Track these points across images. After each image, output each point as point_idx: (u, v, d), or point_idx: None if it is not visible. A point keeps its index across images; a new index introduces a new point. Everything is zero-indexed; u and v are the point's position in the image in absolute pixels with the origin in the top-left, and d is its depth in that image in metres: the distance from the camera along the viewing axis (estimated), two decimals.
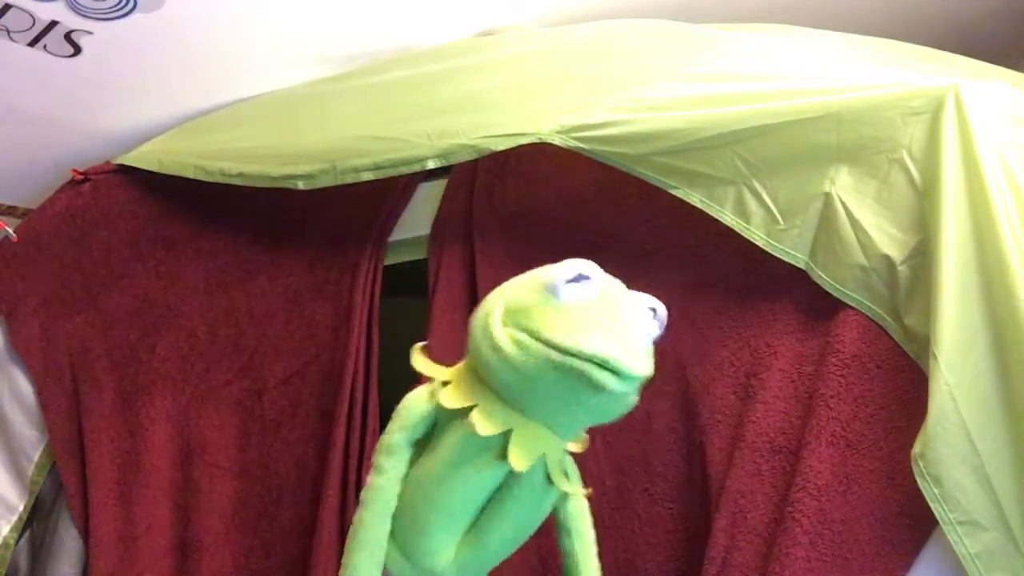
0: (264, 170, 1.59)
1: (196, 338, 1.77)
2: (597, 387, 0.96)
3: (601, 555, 1.41)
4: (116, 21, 1.50)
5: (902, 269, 1.16)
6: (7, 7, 1.44)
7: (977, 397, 1.05)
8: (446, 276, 1.58)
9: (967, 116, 1.11)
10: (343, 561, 1.10)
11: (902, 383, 1.17)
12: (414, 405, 1.12)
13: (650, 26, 1.48)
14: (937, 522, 1.06)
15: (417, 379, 1.12)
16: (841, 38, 1.42)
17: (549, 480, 1.10)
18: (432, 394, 1.11)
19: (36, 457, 1.84)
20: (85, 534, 1.75)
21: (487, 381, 1.06)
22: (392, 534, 1.11)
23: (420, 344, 1.13)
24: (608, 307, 1.01)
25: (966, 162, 1.09)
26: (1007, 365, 1.05)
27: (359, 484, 1.51)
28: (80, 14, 1.48)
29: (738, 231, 1.27)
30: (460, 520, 1.12)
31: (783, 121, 1.20)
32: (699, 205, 1.28)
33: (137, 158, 1.80)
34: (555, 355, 0.96)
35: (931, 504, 1.06)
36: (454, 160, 1.42)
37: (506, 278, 1.52)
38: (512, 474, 1.08)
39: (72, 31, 1.52)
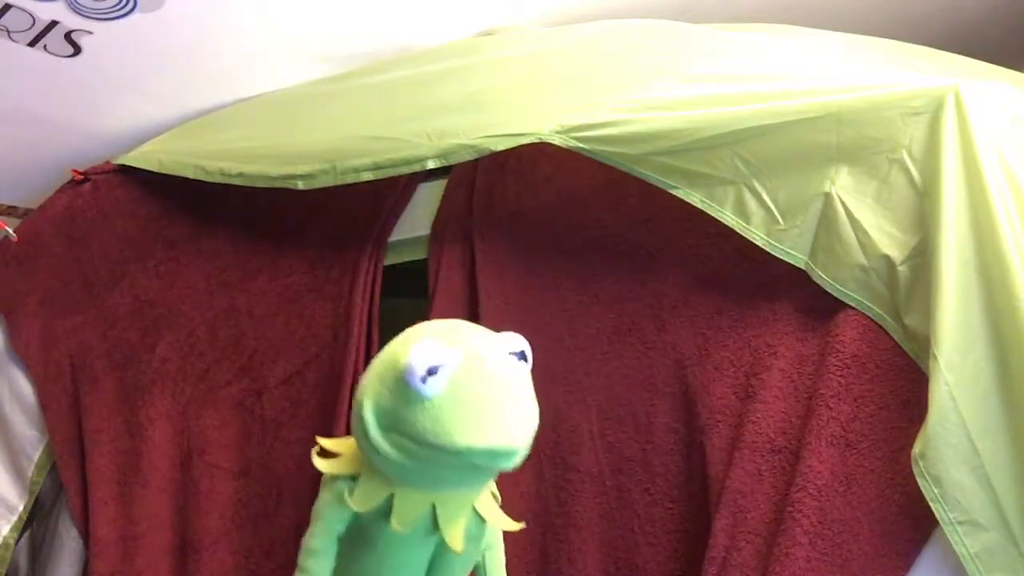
0: (264, 170, 1.59)
1: (196, 338, 1.77)
2: (490, 471, 1.02)
3: (601, 555, 1.42)
4: (116, 21, 1.50)
5: (902, 269, 1.16)
6: (7, 7, 1.44)
7: (977, 397, 1.05)
8: (446, 276, 1.58)
9: (967, 116, 1.11)
10: None
11: (902, 383, 1.17)
12: (330, 509, 1.11)
13: (650, 26, 1.48)
14: (937, 522, 1.06)
15: None
16: (841, 38, 1.42)
17: (482, 519, 1.12)
18: (347, 493, 1.10)
19: (36, 457, 1.84)
20: (85, 534, 1.75)
21: (385, 475, 1.07)
22: None
23: (316, 448, 1.15)
24: (470, 388, 0.99)
25: (966, 162, 1.09)
26: (1007, 365, 1.05)
27: None
28: (80, 14, 1.48)
29: (738, 231, 1.27)
30: None
31: (783, 121, 1.20)
32: (699, 205, 1.28)
33: (137, 158, 1.80)
34: (442, 456, 0.99)
35: (931, 504, 1.06)
36: (454, 160, 1.42)
37: (506, 278, 1.53)
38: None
39: (72, 31, 1.52)
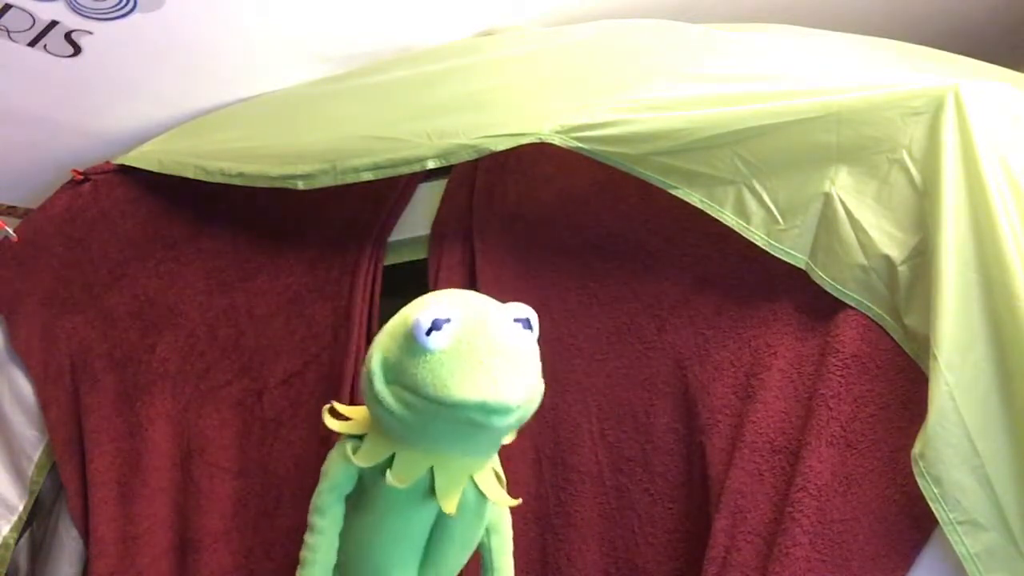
0: (264, 170, 1.59)
1: (196, 338, 1.77)
2: (483, 427, 1.02)
3: (601, 555, 1.42)
4: (116, 21, 1.50)
5: (902, 269, 1.16)
6: (7, 7, 1.44)
7: (977, 397, 1.05)
8: (446, 276, 1.58)
9: (967, 116, 1.11)
10: None
11: (902, 383, 1.17)
12: (336, 466, 1.17)
13: (650, 26, 1.48)
14: (937, 522, 1.06)
15: None
16: (841, 38, 1.42)
17: (482, 494, 1.14)
18: (351, 451, 1.15)
19: (36, 457, 1.84)
20: (85, 534, 1.75)
21: (390, 433, 1.10)
22: None
23: (327, 407, 1.20)
24: (472, 344, 1.02)
25: (966, 162, 1.09)
26: (1007, 365, 1.05)
27: None
28: (80, 14, 1.48)
29: (738, 231, 1.27)
30: (413, 555, 1.15)
31: (783, 121, 1.20)
32: (699, 205, 1.29)
33: (137, 158, 1.80)
34: (439, 408, 1.01)
35: (931, 504, 1.06)
36: (454, 160, 1.42)
37: (506, 278, 1.53)
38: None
39: (72, 31, 1.52)
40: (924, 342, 1.11)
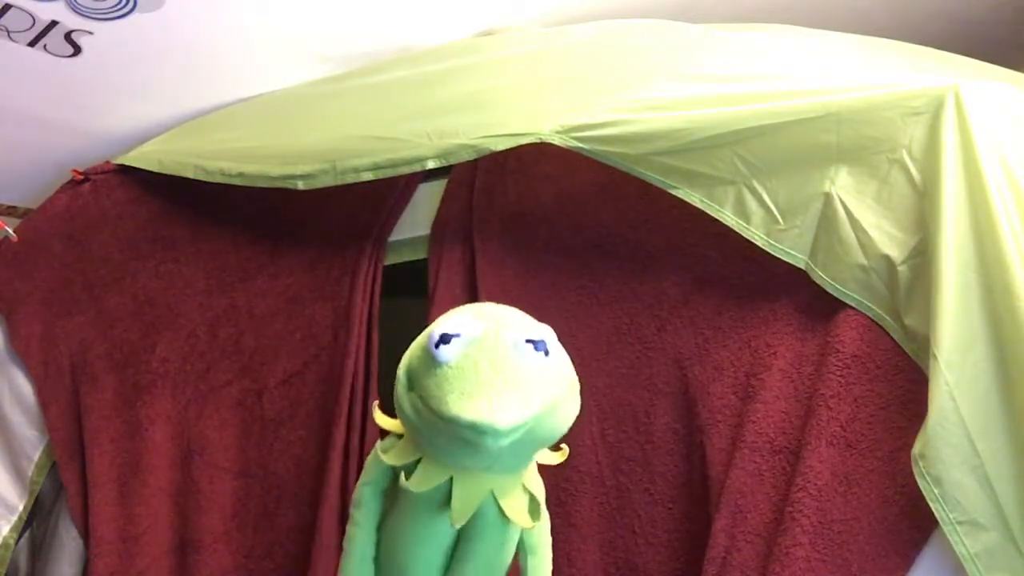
0: (264, 170, 1.59)
1: (196, 338, 1.77)
2: (476, 447, 1.00)
3: (601, 555, 1.41)
4: (116, 21, 1.50)
5: (902, 269, 1.16)
6: (7, 7, 1.44)
7: (977, 397, 1.05)
8: (446, 276, 1.58)
9: (967, 116, 1.11)
10: None
11: (902, 383, 1.17)
12: (372, 461, 1.18)
13: (650, 26, 1.48)
14: (937, 522, 1.06)
15: None
16: (841, 38, 1.42)
17: (504, 514, 1.11)
18: (384, 448, 1.15)
19: (36, 457, 1.84)
20: (85, 534, 1.75)
21: (413, 437, 1.11)
22: None
23: (376, 401, 1.20)
24: (478, 361, 1.02)
25: (966, 162, 1.09)
26: (1007, 365, 1.05)
27: None
28: (80, 14, 1.48)
29: (738, 231, 1.27)
30: (434, 565, 1.15)
31: (783, 121, 1.20)
32: (699, 205, 1.29)
33: (137, 158, 1.80)
34: (437, 422, 1.01)
35: (931, 504, 1.06)
36: (454, 160, 1.42)
37: (506, 278, 1.53)
38: (473, 517, 1.10)
39: (72, 31, 1.52)
40: (924, 342, 1.10)
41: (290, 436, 1.67)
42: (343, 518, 1.54)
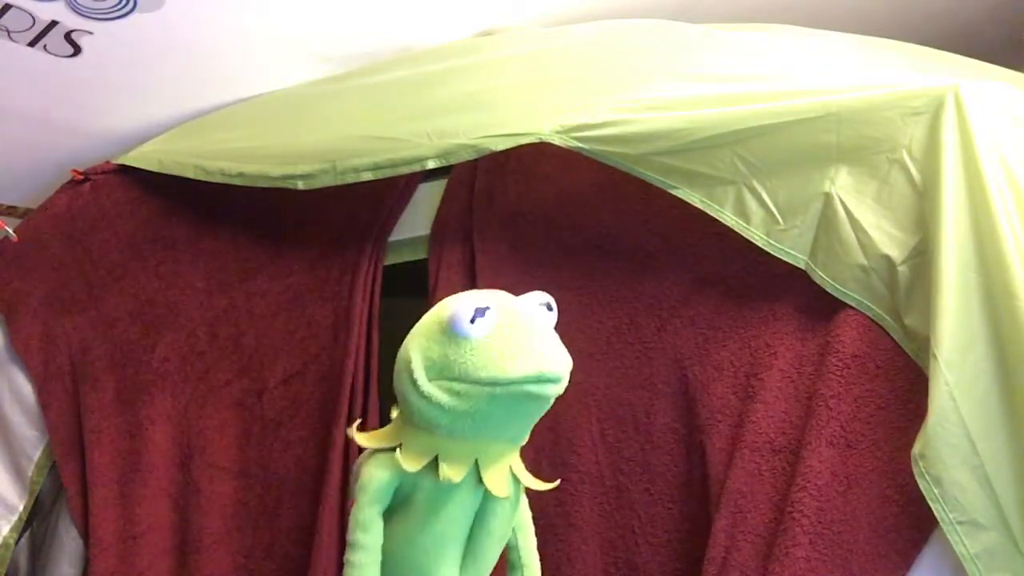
0: (264, 170, 1.59)
1: (196, 338, 1.77)
2: (541, 399, 1.08)
3: (601, 555, 1.41)
4: (116, 21, 1.50)
5: (902, 269, 1.16)
6: (7, 7, 1.44)
7: (977, 397, 1.05)
8: (446, 276, 1.58)
9: (967, 116, 1.11)
10: None
11: (902, 383, 1.17)
12: (379, 477, 1.16)
13: (650, 26, 1.48)
14: (937, 522, 1.06)
15: None
16: (841, 38, 1.42)
17: (516, 481, 1.17)
18: (390, 461, 1.15)
19: (36, 457, 1.84)
20: (85, 534, 1.75)
21: (433, 431, 1.12)
22: None
23: (356, 423, 1.21)
24: (514, 326, 1.08)
25: (966, 162, 1.09)
26: (1007, 365, 1.05)
27: None
28: (80, 14, 1.48)
29: (738, 231, 1.27)
30: (456, 554, 1.17)
31: (783, 121, 1.20)
32: (699, 205, 1.29)
33: (137, 158, 1.80)
34: (497, 390, 1.06)
35: (931, 504, 1.06)
36: (454, 160, 1.42)
37: (506, 278, 1.53)
38: (488, 494, 1.15)
39: (72, 31, 1.52)
40: (924, 342, 1.11)
41: (290, 436, 1.67)
42: (343, 518, 1.54)
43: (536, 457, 1.47)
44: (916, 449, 1.07)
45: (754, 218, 1.26)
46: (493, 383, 1.05)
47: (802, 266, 1.24)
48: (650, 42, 1.44)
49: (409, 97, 1.55)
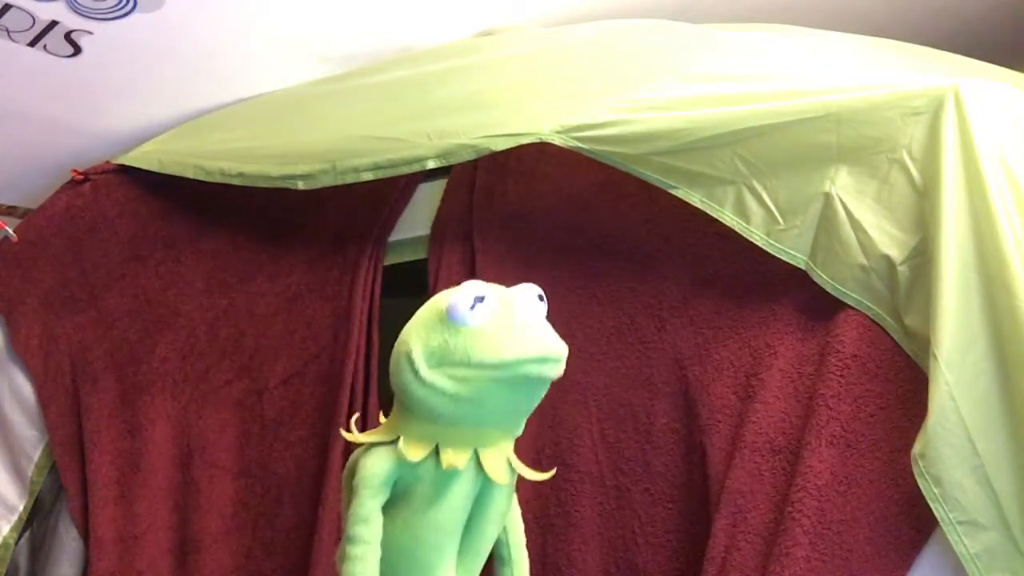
0: (264, 170, 1.59)
1: (196, 338, 1.77)
2: (543, 379, 1.08)
3: (601, 555, 1.42)
4: (116, 21, 1.50)
5: (902, 269, 1.16)
6: (7, 7, 1.44)
7: (977, 397, 1.05)
8: (446, 276, 1.58)
9: (967, 116, 1.11)
10: None
11: (902, 383, 1.17)
12: (381, 470, 1.16)
13: (650, 26, 1.48)
14: (937, 522, 1.06)
15: None
16: (841, 38, 1.42)
17: (512, 471, 1.17)
18: (390, 453, 1.15)
19: (36, 457, 1.84)
20: (85, 534, 1.75)
21: (435, 421, 1.12)
22: None
23: (354, 420, 1.23)
24: (511, 312, 1.10)
25: (966, 162, 1.09)
26: (1007, 365, 1.05)
27: None
28: (80, 14, 1.48)
29: (738, 231, 1.27)
30: (454, 544, 1.17)
31: (783, 121, 1.20)
32: (699, 205, 1.29)
33: (137, 158, 1.80)
34: (499, 373, 1.07)
35: (931, 504, 1.06)
36: (454, 160, 1.42)
37: (506, 278, 1.52)
38: (485, 485, 1.15)
39: (72, 31, 1.52)
40: (924, 342, 1.10)
41: (290, 436, 1.67)
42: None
43: (536, 457, 1.47)
44: (916, 449, 1.07)
45: (754, 218, 1.26)
46: (496, 366, 1.07)
47: (802, 266, 1.24)
48: (650, 42, 1.44)
49: (409, 97, 1.55)
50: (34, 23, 1.49)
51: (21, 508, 1.83)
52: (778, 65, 1.31)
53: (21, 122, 1.81)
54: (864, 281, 1.19)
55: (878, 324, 1.19)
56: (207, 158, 1.68)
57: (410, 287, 1.67)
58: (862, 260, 1.19)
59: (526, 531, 1.39)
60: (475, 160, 1.47)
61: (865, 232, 1.18)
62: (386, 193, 1.66)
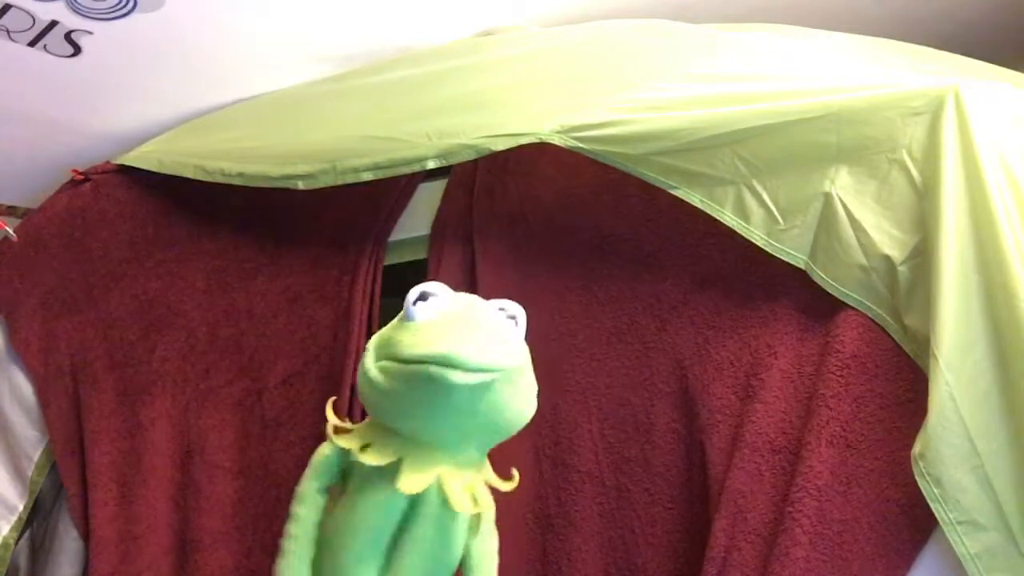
0: (264, 170, 1.59)
1: (196, 338, 1.77)
2: (442, 383, 1.02)
3: (601, 555, 1.42)
4: (116, 21, 1.50)
5: (902, 269, 1.16)
6: (7, 7, 1.43)
7: (977, 397, 1.05)
8: (446, 276, 1.58)
9: (967, 116, 1.11)
10: None
11: (902, 383, 1.17)
12: (322, 453, 1.21)
13: (650, 26, 1.48)
14: (937, 522, 1.06)
15: None
16: (841, 38, 1.42)
17: (446, 502, 1.13)
18: (332, 440, 1.18)
19: (36, 457, 1.84)
20: (85, 534, 1.75)
21: (376, 418, 1.15)
22: None
23: (332, 399, 1.23)
24: (455, 316, 1.08)
25: (966, 162, 1.09)
26: (1007, 365, 1.05)
27: None
28: (80, 14, 1.48)
29: (738, 231, 1.27)
30: (374, 553, 1.16)
31: (783, 121, 1.20)
32: (699, 205, 1.29)
33: (137, 158, 1.80)
34: (405, 367, 1.05)
35: (931, 504, 1.06)
36: (454, 160, 1.42)
37: (506, 278, 1.53)
38: (413, 503, 1.14)
39: (72, 31, 1.52)
40: (924, 342, 1.11)
41: (290, 436, 1.67)
42: None
43: (536, 457, 1.47)
44: (916, 449, 1.07)
45: (754, 218, 1.26)
46: (405, 360, 1.04)
47: (802, 266, 1.24)
48: (650, 42, 1.44)
49: (409, 97, 1.55)
50: (34, 23, 1.49)
51: (21, 508, 1.83)
52: (778, 65, 1.30)
53: (21, 122, 1.81)
54: (864, 281, 1.19)
55: (878, 324, 1.19)
56: (207, 158, 1.68)
57: (410, 287, 1.67)
58: (862, 260, 1.19)
59: (526, 530, 1.39)
60: (475, 160, 1.48)
61: (865, 232, 1.18)
62: (386, 193, 1.66)
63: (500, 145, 1.36)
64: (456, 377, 1.01)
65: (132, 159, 1.81)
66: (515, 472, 1.23)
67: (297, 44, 1.68)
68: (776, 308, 1.30)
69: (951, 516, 1.05)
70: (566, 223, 1.52)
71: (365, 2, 1.56)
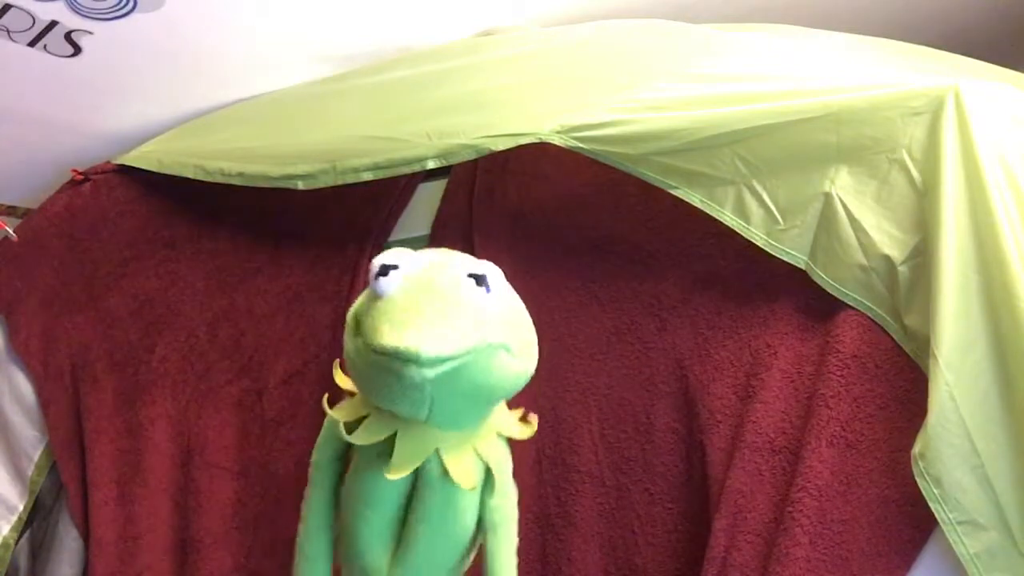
0: (264, 170, 1.59)
1: (196, 338, 1.77)
2: (408, 378, 0.99)
3: (601, 555, 1.42)
4: (116, 21, 1.50)
5: (902, 269, 1.16)
6: (7, 7, 1.43)
7: (977, 397, 1.05)
8: None
9: (967, 116, 1.11)
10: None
11: (902, 383, 1.17)
12: (325, 429, 1.21)
13: (650, 26, 1.48)
14: (937, 522, 1.06)
15: None
16: (841, 38, 1.42)
17: (447, 474, 1.12)
18: (328, 408, 1.19)
19: (36, 457, 1.84)
20: (85, 534, 1.75)
21: (361, 391, 1.13)
22: (342, 557, 1.21)
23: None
24: (414, 291, 1.01)
25: (966, 162, 1.09)
26: (1007, 365, 1.05)
27: None
28: (80, 14, 1.48)
29: (738, 231, 1.27)
30: (384, 527, 1.16)
31: (783, 121, 1.20)
32: (699, 205, 1.29)
33: (137, 158, 1.80)
34: (370, 355, 1.01)
35: (931, 504, 1.06)
36: (454, 160, 1.42)
37: (506, 278, 1.53)
38: (417, 478, 1.13)
39: (72, 31, 1.52)
40: (924, 342, 1.11)
41: (290, 436, 1.67)
42: None
43: (536, 457, 1.47)
44: (916, 449, 1.07)
45: (754, 218, 1.26)
46: (370, 348, 1.00)
47: (802, 266, 1.24)
48: (650, 42, 1.44)
49: (409, 97, 1.55)
50: (34, 23, 1.49)
51: (21, 508, 1.83)
52: (778, 65, 1.31)
53: (21, 122, 1.81)
54: (864, 281, 1.19)
55: (878, 324, 1.19)
56: (207, 158, 1.68)
57: None
58: (862, 260, 1.19)
59: (526, 530, 1.39)
60: (475, 160, 1.47)
61: (865, 232, 1.18)
62: (386, 193, 1.66)
63: (500, 145, 1.36)
64: (414, 373, 0.98)
65: (132, 159, 1.81)
66: (532, 418, 1.20)
67: (297, 44, 1.68)
68: (776, 308, 1.30)
69: (951, 516, 1.05)
70: (566, 223, 1.52)
71: (365, 2, 1.56)
